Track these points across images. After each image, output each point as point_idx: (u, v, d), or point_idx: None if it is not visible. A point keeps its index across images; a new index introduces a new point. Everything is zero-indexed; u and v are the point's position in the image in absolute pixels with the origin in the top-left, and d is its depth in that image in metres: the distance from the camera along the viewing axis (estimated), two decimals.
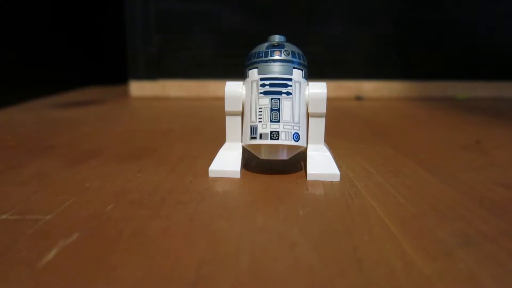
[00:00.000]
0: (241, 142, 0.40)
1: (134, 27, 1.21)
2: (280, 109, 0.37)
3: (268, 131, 0.37)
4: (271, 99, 0.38)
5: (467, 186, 0.37)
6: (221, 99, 0.44)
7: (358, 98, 1.20)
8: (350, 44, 1.22)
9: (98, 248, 0.24)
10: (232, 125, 0.41)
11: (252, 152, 0.40)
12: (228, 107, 0.40)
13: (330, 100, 0.41)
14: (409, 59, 1.24)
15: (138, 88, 1.24)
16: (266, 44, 0.40)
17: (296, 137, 0.37)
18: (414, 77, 1.25)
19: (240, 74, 0.46)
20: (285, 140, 0.37)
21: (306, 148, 0.40)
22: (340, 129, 0.68)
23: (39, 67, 1.19)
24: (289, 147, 0.38)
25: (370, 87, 1.24)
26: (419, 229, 0.27)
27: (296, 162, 0.44)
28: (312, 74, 0.46)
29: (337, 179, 0.38)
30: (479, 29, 1.22)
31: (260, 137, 0.37)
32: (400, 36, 1.22)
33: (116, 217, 0.29)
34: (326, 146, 0.40)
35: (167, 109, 0.94)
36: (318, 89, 0.39)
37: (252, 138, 0.38)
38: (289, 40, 0.41)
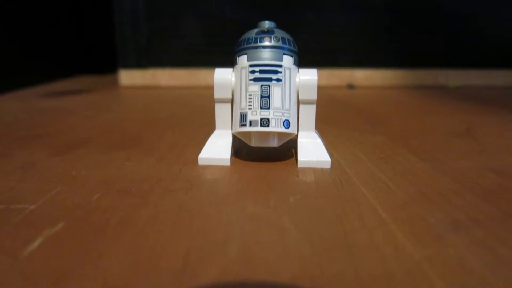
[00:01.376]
0: (231, 129, 0.40)
1: (123, 15, 1.18)
2: (270, 96, 0.37)
3: (258, 118, 0.37)
4: (261, 85, 0.37)
5: (458, 172, 0.37)
6: (212, 88, 0.43)
7: (350, 86, 1.20)
8: (342, 32, 1.21)
9: (84, 237, 0.24)
10: (222, 112, 0.40)
11: (242, 139, 0.40)
12: (217, 94, 0.39)
13: (322, 88, 0.40)
14: (401, 48, 1.24)
15: (128, 77, 1.22)
16: (255, 30, 0.39)
17: (287, 124, 0.37)
18: (406, 65, 1.25)
19: (231, 63, 0.45)
20: (275, 127, 0.36)
21: (296, 135, 0.39)
22: (331, 117, 0.68)
23: (27, 57, 1.17)
24: (280, 134, 0.38)
25: (362, 75, 1.24)
26: (410, 215, 0.27)
27: (287, 149, 0.44)
28: (304, 62, 0.45)
29: (328, 166, 0.38)
30: (471, 17, 1.22)
31: (250, 124, 0.37)
32: (392, 24, 1.22)
33: (103, 206, 0.29)
34: (317, 133, 0.40)
35: (157, 98, 0.93)
36: (308, 76, 0.38)
37: (242, 125, 0.37)
38: (280, 28, 0.40)
